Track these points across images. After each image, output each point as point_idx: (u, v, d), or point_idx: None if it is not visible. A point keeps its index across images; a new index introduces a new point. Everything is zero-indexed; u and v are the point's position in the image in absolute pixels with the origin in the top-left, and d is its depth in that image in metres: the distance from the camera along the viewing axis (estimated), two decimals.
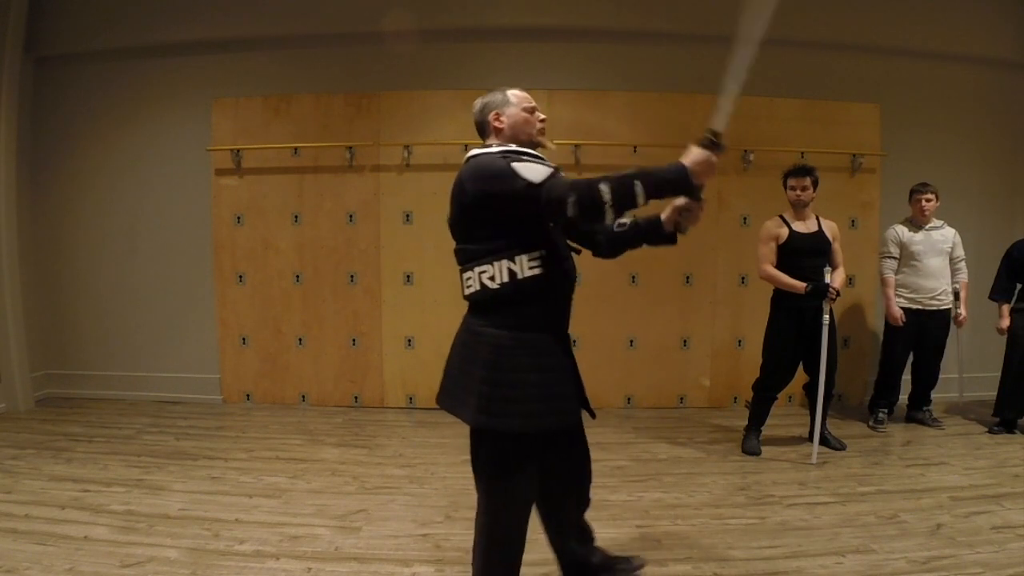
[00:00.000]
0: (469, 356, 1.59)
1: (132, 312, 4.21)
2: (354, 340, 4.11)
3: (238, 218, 4.09)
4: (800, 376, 3.29)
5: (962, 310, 3.58)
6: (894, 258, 3.61)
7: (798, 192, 3.16)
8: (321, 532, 2.35)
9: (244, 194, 4.07)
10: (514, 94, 1.69)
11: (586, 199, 1.39)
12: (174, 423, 3.73)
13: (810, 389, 3.22)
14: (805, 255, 3.13)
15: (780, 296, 3.20)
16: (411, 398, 4.10)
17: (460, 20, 3.87)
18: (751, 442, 3.27)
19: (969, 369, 3.87)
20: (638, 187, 1.39)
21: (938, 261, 3.55)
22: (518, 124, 1.65)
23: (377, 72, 3.99)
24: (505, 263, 1.53)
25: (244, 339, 4.16)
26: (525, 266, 1.53)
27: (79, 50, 4.05)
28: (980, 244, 4.06)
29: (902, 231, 3.60)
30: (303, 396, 4.17)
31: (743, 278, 4.06)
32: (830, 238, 3.21)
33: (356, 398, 4.14)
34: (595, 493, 1.87)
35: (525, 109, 1.67)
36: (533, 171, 1.47)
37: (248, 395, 4.19)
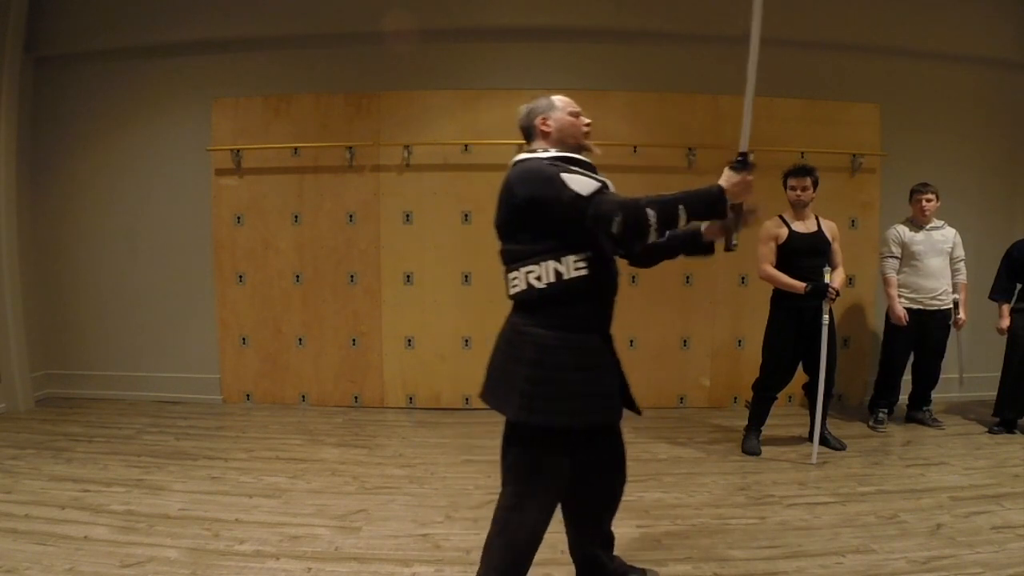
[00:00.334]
0: (513, 355, 1.60)
1: (132, 312, 4.21)
2: (354, 340, 4.11)
3: (238, 218, 4.09)
4: (800, 376, 3.29)
5: (961, 313, 3.57)
6: (896, 258, 3.60)
7: (798, 192, 3.16)
8: (321, 532, 2.35)
9: (244, 194, 4.07)
10: (559, 99, 1.72)
11: (631, 220, 1.44)
12: (174, 423, 3.74)
13: (810, 389, 3.22)
14: (805, 255, 3.14)
15: (780, 296, 3.20)
16: (411, 398, 4.09)
17: (460, 20, 3.87)
18: (751, 442, 3.27)
19: (969, 369, 3.86)
20: (681, 211, 1.46)
21: (938, 261, 3.55)
22: (564, 128, 1.68)
23: (377, 72, 3.99)
24: (552, 264, 1.55)
25: (244, 339, 4.16)
26: (571, 267, 1.55)
27: (79, 50, 4.06)
28: (980, 244, 4.05)
29: (903, 231, 3.60)
30: (303, 396, 4.17)
31: (743, 278, 4.06)
32: (830, 238, 3.21)
33: (356, 398, 4.14)
34: None
35: (571, 113, 1.70)
36: (581, 184, 1.50)
37: (248, 395, 4.19)
